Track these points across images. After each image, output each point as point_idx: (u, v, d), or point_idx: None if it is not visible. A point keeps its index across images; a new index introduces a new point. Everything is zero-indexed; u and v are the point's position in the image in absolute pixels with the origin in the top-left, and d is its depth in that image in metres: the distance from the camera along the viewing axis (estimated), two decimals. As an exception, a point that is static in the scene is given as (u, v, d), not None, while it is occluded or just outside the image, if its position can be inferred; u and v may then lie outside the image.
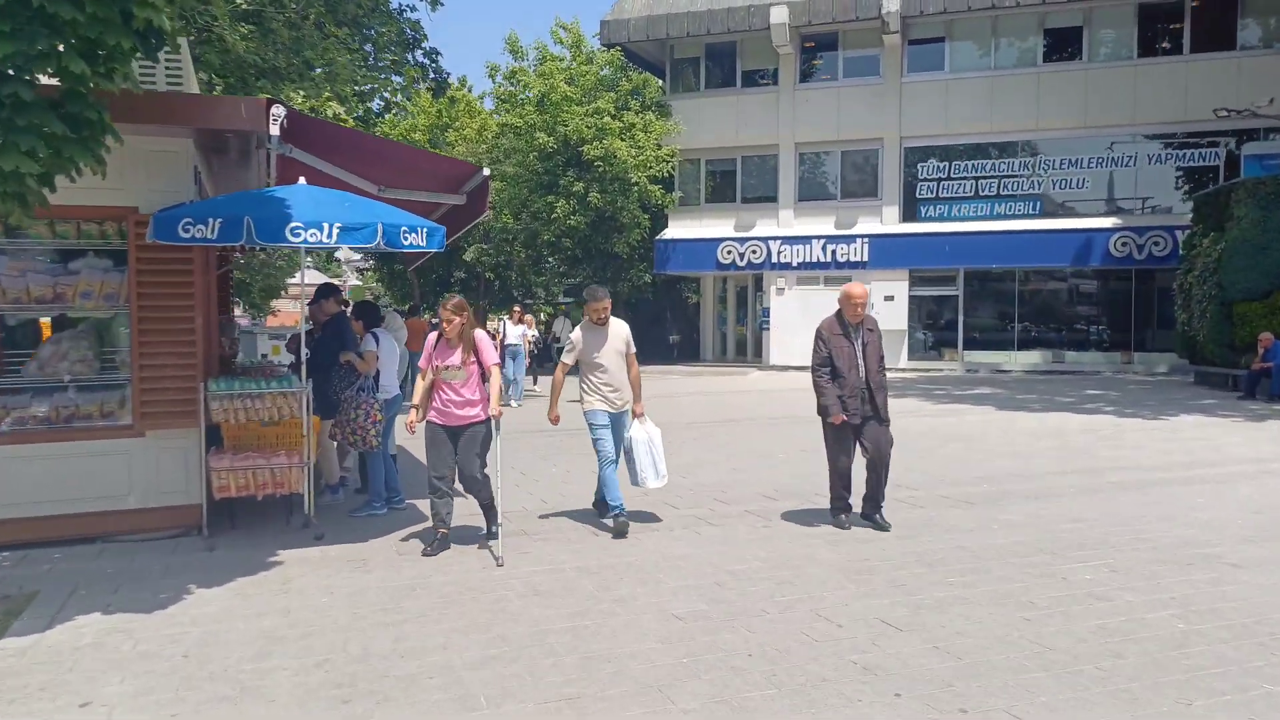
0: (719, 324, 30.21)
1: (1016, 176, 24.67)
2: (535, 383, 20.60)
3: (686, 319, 36.20)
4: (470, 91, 41.26)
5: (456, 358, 6.52)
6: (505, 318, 16.59)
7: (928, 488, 8.75)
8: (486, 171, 7.92)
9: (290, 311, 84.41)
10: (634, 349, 7.33)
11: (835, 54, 26.39)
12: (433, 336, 6.70)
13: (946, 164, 25.29)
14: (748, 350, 28.90)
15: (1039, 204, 24.47)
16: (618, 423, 7.27)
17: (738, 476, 9.43)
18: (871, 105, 25.64)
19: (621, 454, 7.33)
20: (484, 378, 6.61)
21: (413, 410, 6.66)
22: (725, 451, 11.24)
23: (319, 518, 7.33)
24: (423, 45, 22.80)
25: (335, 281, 61.33)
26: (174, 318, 7.20)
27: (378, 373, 7.68)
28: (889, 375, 7.73)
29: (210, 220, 6.38)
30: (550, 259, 32.38)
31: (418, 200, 8.52)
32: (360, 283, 62.57)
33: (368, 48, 20.99)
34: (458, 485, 6.72)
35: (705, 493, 8.64)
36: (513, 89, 28.05)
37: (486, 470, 6.69)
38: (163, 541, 7.00)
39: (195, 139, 7.39)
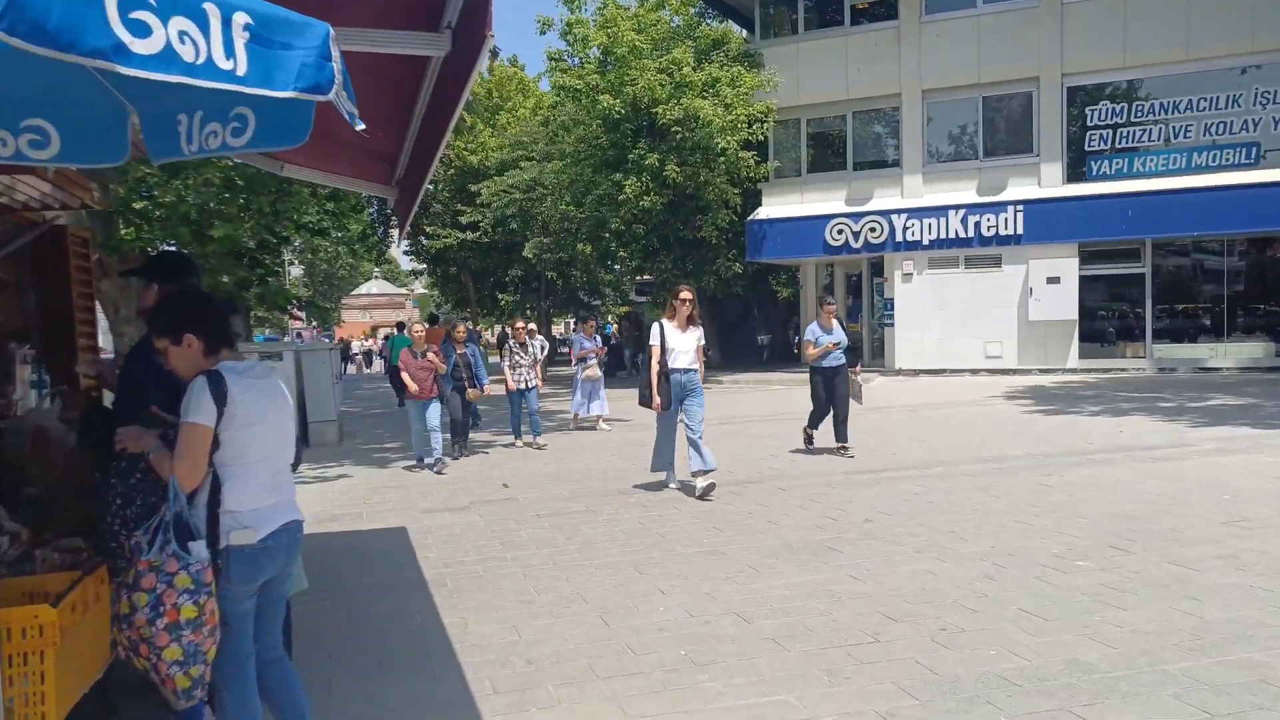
0: (825, 320, 25.02)
1: (1223, 116, 19.02)
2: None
3: (778, 316, 31.16)
4: (524, 70, 37.05)
5: None
6: (664, 319, 8.22)
7: None
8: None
9: (359, 322, 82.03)
10: None
11: (970, -24, 21.09)
12: None
13: (1125, 106, 19.77)
14: (863, 351, 23.68)
15: (1255, 151, 18.81)
16: None
17: None
18: (1022, 36, 20.25)
19: None
20: None
21: None
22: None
23: None
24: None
25: (404, 291, 57.07)
26: None
27: (214, 482, 2.85)
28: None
29: None
30: (620, 251, 27.65)
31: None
32: (427, 291, 58.12)
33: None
34: None
35: None
36: (569, 46, 23.34)
37: None
38: None
39: None
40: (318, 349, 13.51)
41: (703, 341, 8.25)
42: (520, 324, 12.46)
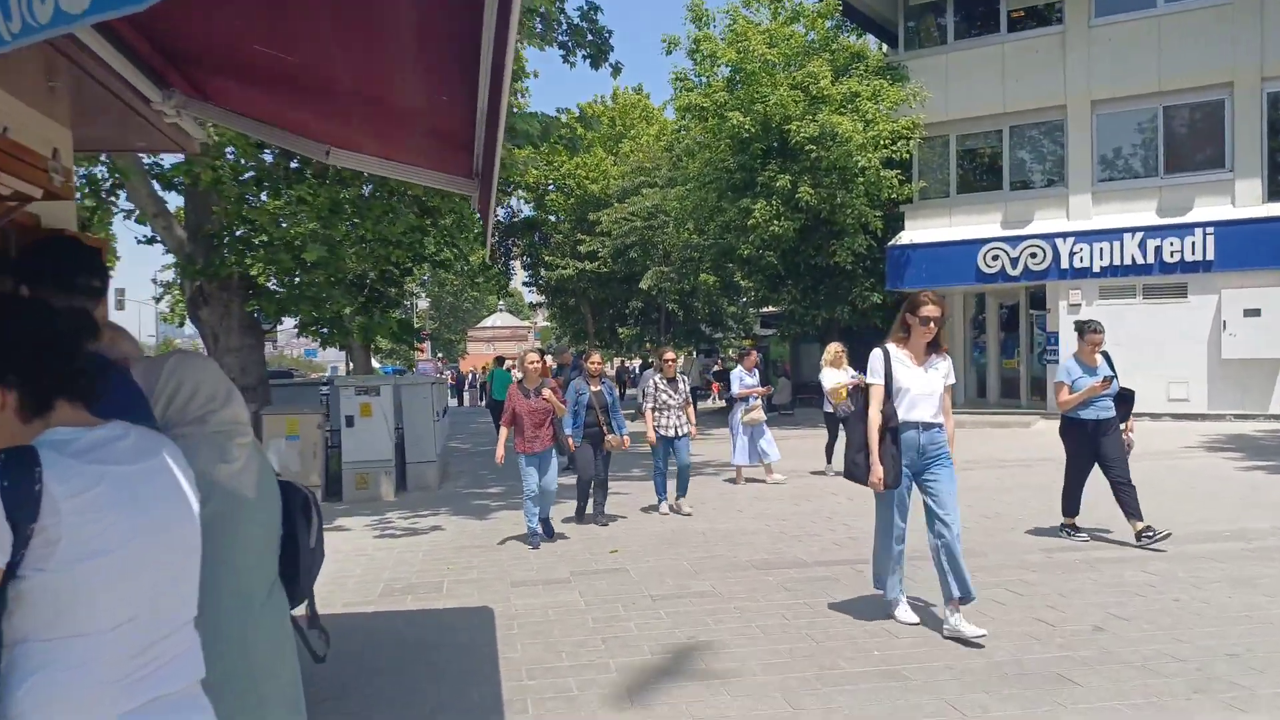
0: (974, 356, 22.78)
1: None
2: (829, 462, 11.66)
3: (918, 351, 28.85)
4: (649, 98, 36.24)
5: None
6: (889, 344, 5.22)
7: None
8: None
9: (484, 354, 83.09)
10: None
11: (1150, -28, 18.75)
12: None
13: (1338, 111, 17.06)
14: (1020, 391, 21.32)
15: None
16: None
17: None
18: (1212, 37, 17.76)
19: None
20: None
21: None
22: None
23: None
24: (578, -3, 17.09)
25: (526, 324, 56.04)
26: None
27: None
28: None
29: None
30: (744, 281, 26.05)
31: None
32: (548, 324, 57.97)
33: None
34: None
35: None
36: (695, 65, 22.04)
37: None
38: None
39: None
40: (418, 382, 12.40)
41: (951, 380, 5.24)
42: (670, 355, 9.57)
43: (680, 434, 9.24)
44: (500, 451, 8.16)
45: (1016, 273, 19.34)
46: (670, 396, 9.25)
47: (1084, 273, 18.74)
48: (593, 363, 8.97)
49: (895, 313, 21.16)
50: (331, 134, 4.14)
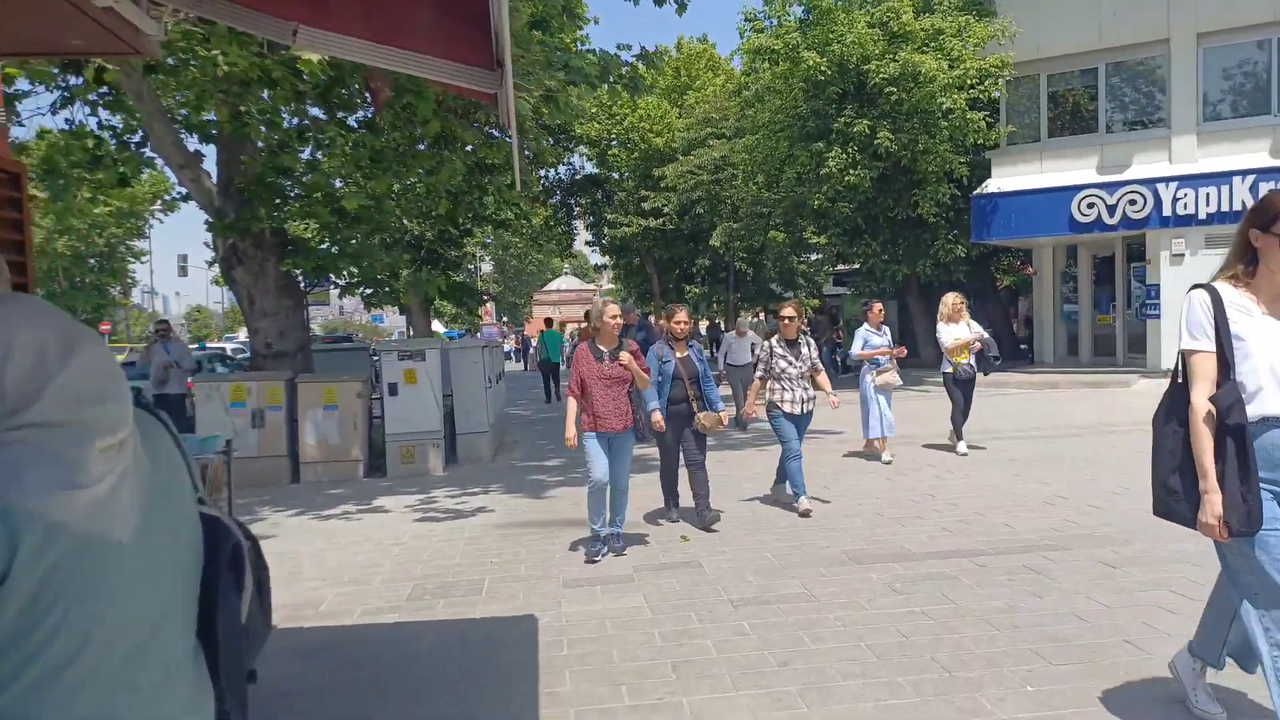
0: (1062, 312, 21.23)
1: None
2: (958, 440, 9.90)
3: (999, 306, 27.24)
4: (715, 47, 34.84)
5: None
6: (1215, 282, 3.07)
7: None
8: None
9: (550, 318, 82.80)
10: None
11: (1267, -116, 16.81)
12: None
13: None
14: (1116, 349, 19.79)
15: None
16: None
17: None
18: (1342, -47, 15.89)
19: None
20: None
21: None
22: None
23: None
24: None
25: (591, 287, 55.14)
26: None
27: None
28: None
29: None
30: (816, 237, 24.67)
31: None
32: (613, 286, 57.22)
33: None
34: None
35: None
36: (766, 5, 20.66)
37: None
38: None
39: None
40: (468, 346, 11.55)
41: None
42: (789, 312, 7.55)
43: (806, 409, 7.39)
44: (571, 430, 6.25)
45: (1114, 221, 17.75)
46: (790, 363, 7.35)
47: (1188, 220, 17.10)
48: (678, 322, 6.94)
49: (980, 267, 19.33)
50: (299, 7, 3.15)
